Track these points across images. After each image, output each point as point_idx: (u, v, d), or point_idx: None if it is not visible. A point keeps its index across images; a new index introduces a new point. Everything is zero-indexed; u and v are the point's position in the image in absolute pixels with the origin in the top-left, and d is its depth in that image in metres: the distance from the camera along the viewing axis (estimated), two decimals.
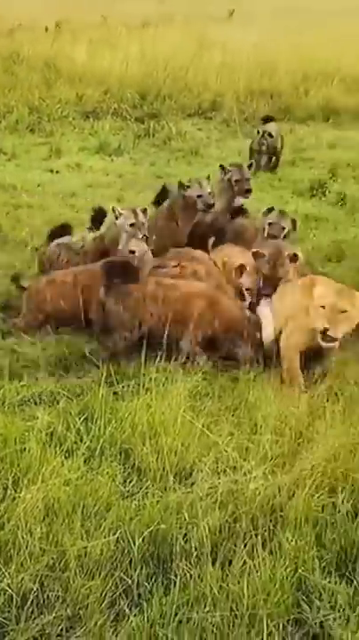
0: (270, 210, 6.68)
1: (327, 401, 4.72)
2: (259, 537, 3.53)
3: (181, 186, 6.88)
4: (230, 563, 3.43)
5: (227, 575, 3.35)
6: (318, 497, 3.76)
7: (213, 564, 3.42)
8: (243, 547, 3.48)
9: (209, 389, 4.99)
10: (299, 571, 3.35)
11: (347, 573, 3.42)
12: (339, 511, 3.72)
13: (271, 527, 3.63)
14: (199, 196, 6.80)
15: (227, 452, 4.14)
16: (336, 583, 3.33)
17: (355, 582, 3.36)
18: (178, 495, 3.82)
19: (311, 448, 4.11)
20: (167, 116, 13.13)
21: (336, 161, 10.66)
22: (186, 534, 3.58)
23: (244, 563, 3.38)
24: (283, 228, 6.56)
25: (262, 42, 15.78)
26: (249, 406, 4.70)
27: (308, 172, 10.60)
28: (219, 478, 3.93)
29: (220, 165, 7.31)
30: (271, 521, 3.67)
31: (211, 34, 17.01)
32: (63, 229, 6.97)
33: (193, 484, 3.95)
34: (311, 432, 4.35)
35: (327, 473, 3.91)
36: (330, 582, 3.32)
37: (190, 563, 3.42)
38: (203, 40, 16.40)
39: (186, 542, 3.53)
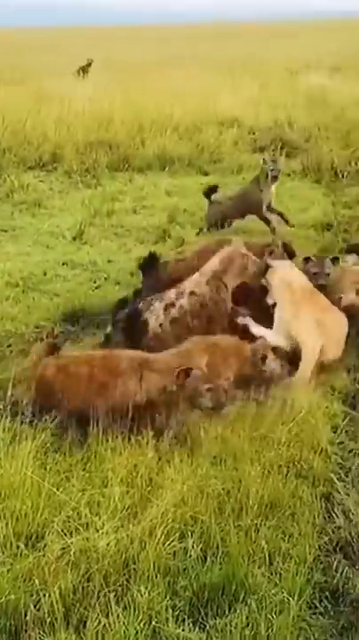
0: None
1: (176, 444, 4.78)
2: (113, 593, 3.50)
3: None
4: (85, 624, 3.35)
5: (82, 638, 3.28)
6: (169, 544, 3.77)
7: (67, 628, 3.34)
8: (97, 606, 3.43)
9: (58, 445, 4.91)
10: (153, 623, 3.34)
11: (200, 619, 3.44)
12: (190, 556, 3.75)
13: (124, 581, 3.60)
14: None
15: (78, 509, 4.07)
16: (189, 630, 3.33)
17: (207, 627, 3.38)
18: (29, 561, 3.70)
19: (161, 495, 4.13)
20: (8, 169, 13.05)
21: (174, 208, 10.97)
22: (38, 601, 3.47)
23: (99, 622, 3.33)
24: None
25: (96, 95, 16.10)
26: (100, 459, 4.66)
27: (150, 218, 10.82)
28: (72, 537, 3.86)
29: (304, 258, 6.90)
30: (124, 575, 3.64)
31: (47, 88, 17.16)
32: None
33: (44, 546, 3.85)
34: (161, 478, 4.37)
35: (177, 518, 3.93)
36: (183, 630, 3.32)
37: (43, 631, 3.32)
38: (39, 94, 16.50)
39: (38, 609, 3.42)
